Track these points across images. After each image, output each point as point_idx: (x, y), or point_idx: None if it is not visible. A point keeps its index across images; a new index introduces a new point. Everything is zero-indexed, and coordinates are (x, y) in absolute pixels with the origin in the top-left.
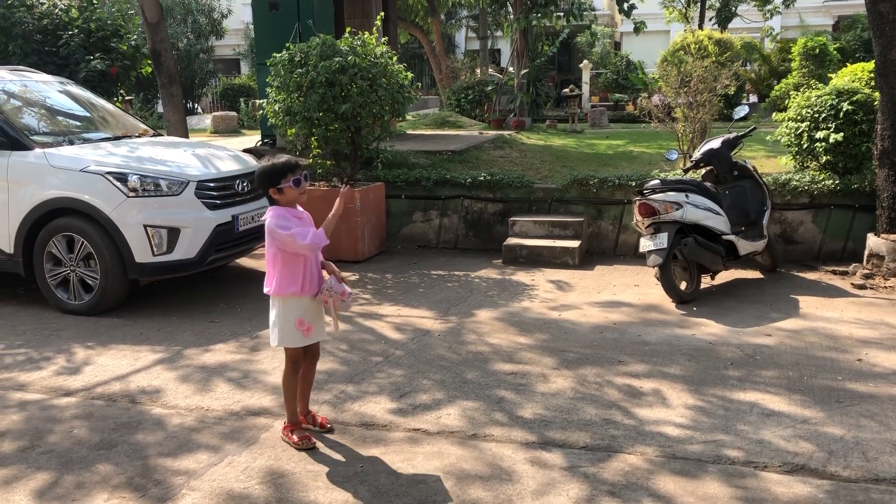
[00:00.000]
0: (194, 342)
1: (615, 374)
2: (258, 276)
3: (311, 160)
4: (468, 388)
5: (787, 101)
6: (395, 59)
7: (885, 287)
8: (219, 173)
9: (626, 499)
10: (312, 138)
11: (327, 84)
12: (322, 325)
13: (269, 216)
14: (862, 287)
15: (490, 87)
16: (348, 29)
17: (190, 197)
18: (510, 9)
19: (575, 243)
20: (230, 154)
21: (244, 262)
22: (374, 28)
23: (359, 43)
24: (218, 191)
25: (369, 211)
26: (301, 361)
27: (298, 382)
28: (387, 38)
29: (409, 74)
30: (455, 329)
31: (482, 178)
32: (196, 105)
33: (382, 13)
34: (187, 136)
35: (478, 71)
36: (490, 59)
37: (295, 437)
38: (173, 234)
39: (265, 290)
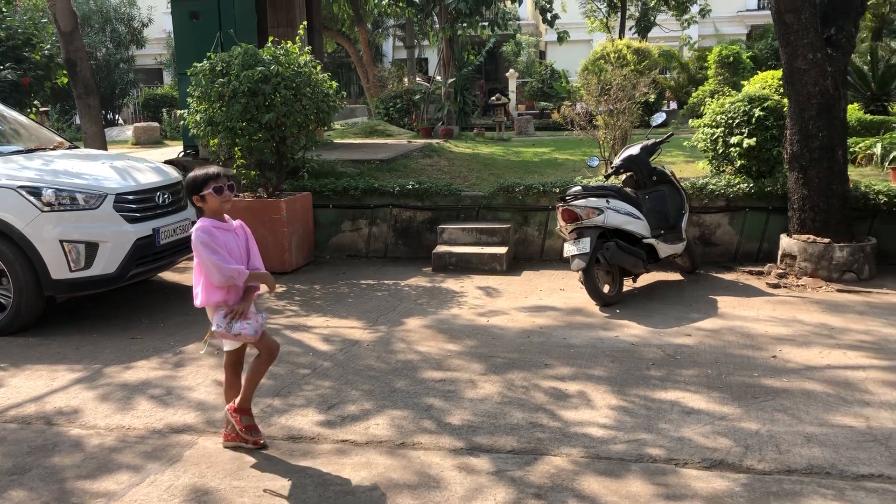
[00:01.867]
0: (115, 360)
1: (541, 377)
2: (182, 291)
3: (234, 171)
4: (397, 397)
5: (703, 108)
6: (319, 68)
7: (798, 286)
8: (138, 186)
9: (552, 500)
10: (236, 148)
11: (250, 93)
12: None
13: (195, 228)
14: (776, 286)
15: (418, 96)
16: (271, 38)
17: (108, 210)
18: (436, 18)
19: (502, 249)
20: (150, 166)
21: (167, 275)
22: (298, 37)
23: (282, 52)
24: (138, 203)
25: (296, 221)
26: (242, 362)
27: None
28: (311, 46)
29: (334, 83)
30: (384, 338)
31: (411, 186)
32: (117, 116)
33: (306, 22)
34: (105, 148)
35: (405, 80)
36: (417, 68)
37: (242, 425)
38: (91, 248)
39: (195, 302)
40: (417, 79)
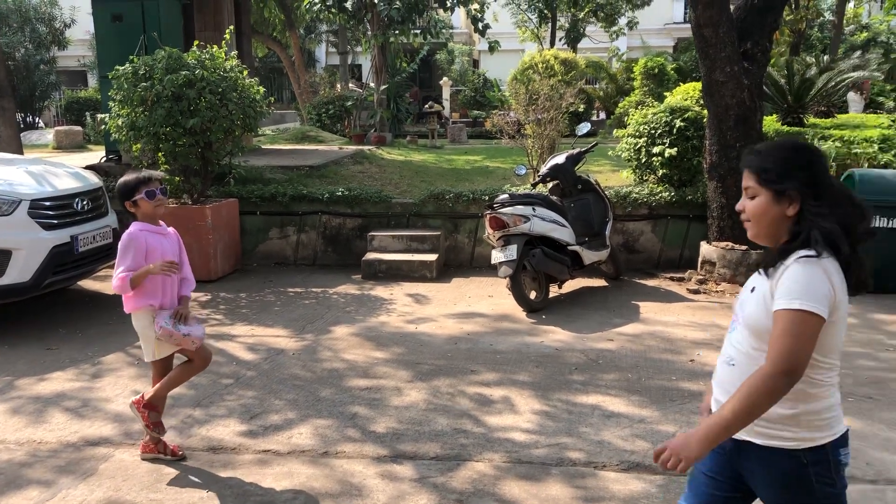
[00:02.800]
0: (28, 371)
1: (467, 383)
2: (102, 300)
3: None
4: (322, 406)
5: (627, 119)
6: (246, 72)
7: (717, 291)
8: (55, 191)
9: None
10: (160, 154)
11: (174, 98)
12: (197, 327)
13: (127, 233)
14: (696, 292)
15: (350, 103)
16: (197, 42)
17: (22, 217)
18: (368, 25)
19: (433, 257)
20: (69, 171)
21: (87, 284)
22: (224, 41)
23: (207, 56)
24: (55, 210)
25: (222, 228)
26: (209, 359)
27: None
28: (238, 51)
29: (262, 88)
30: (311, 347)
31: (340, 193)
32: (38, 119)
33: (232, 27)
34: (21, 152)
35: (338, 86)
36: (350, 75)
37: (150, 421)
38: (4, 256)
39: (125, 307)
40: (350, 85)
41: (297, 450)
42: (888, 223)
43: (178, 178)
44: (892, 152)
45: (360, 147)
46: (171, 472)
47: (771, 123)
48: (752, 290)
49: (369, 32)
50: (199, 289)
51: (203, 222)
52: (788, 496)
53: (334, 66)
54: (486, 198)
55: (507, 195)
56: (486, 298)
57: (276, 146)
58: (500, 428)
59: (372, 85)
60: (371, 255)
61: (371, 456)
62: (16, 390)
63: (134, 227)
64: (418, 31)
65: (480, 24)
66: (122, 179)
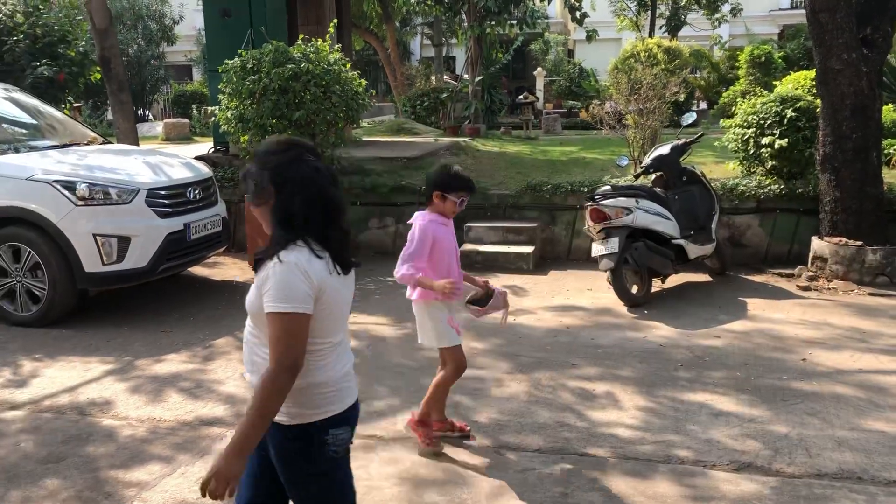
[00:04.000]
0: (146, 352)
1: (568, 377)
2: (212, 286)
3: None
4: (421, 394)
5: (734, 108)
6: (348, 65)
7: (829, 289)
8: (170, 181)
9: (578, 500)
10: None
11: (280, 91)
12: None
13: (417, 222)
14: (807, 289)
15: (445, 95)
16: (301, 36)
17: (140, 205)
18: (464, 17)
19: (529, 248)
20: (182, 161)
21: (197, 270)
22: (328, 35)
23: (312, 50)
24: (169, 199)
25: None
26: (465, 363)
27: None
28: (340, 45)
29: (363, 81)
30: (411, 336)
31: None
32: (147, 112)
33: (336, 20)
34: (137, 144)
35: (433, 78)
36: (445, 67)
37: (425, 437)
38: (123, 242)
39: (408, 294)
40: (445, 77)
41: (402, 437)
42: None
43: None
44: None
45: (455, 139)
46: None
47: (889, 113)
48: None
49: (465, 24)
50: None
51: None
52: (283, 470)
53: (429, 59)
54: (585, 189)
55: (608, 186)
56: (585, 292)
57: (373, 138)
58: (603, 423)
59: (466, 76)
60: (467, 247)
61: (475, 446)
62: (135, 370)
63: (424, 218)
64: (514, 22)
65: (578, 13)
66: (448, 169)
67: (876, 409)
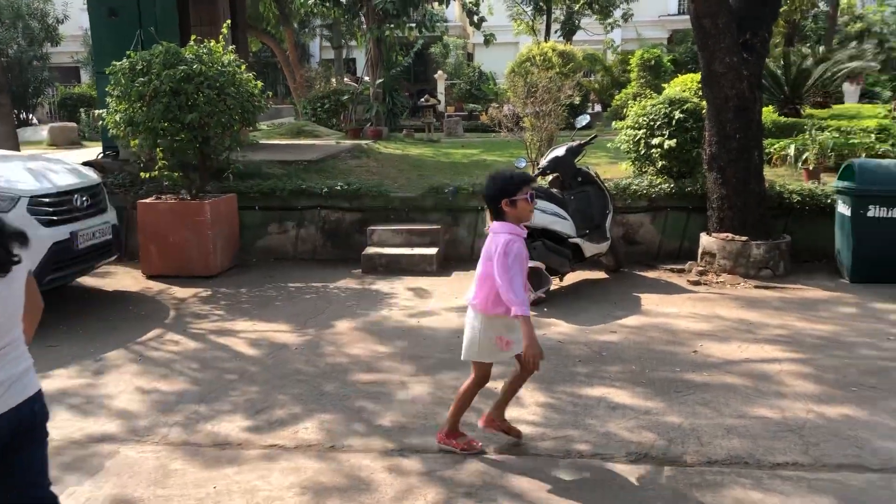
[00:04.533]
0: None
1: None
2: (103, 296)
3: (157, 172)
4: (326, 401)
5: (626, 110)
6: (244, 67)
7: (717, 282)
8: (54, 188)
9: (482, 499)
10: (158, 149)
11: (172, 93)
12: (519, 337)
13: (499, 236)
14: (697, 283)
15: (346, 97)
16: (194, 37)
17: (22, 213)
18: (363, 19)
19: (433, 250)
20: (67, 167)
21: (87, 280)
22: (221, 36)
23: (205, 51)
24: (54, 206)
25: (221, 223)
26: (488, 378)
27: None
28: (235, 46)
29: (260, 83)
30: (313, 342)
31: (339, 187)
32: (31, 116)
33: (229, 20)
34: (18, 149)
35: (333, 80)
36: (345, 69)
37: (459, 443)
38: None
39: (468, 300)
40: (345, 79)
41: (304, 444)
42: (888, 212)
43: (176, 174)
44: (890, 142)
45: (357, 141)
46: (177, 467)
47: (768, 114)
48: None
49: (364, 26)
50: (198, 284)
51: (202, 218)
52: None
53: (329, 61)
54: None
55: None
56: None
57: (273, 141)
58: None
59: (367, 79)
60: (371, 250)
61: (378, 450)
62: None
63: (506, 230)
64: (413, 25)
65: (476, 17)
66: (501, 175)
67: (761, 397)
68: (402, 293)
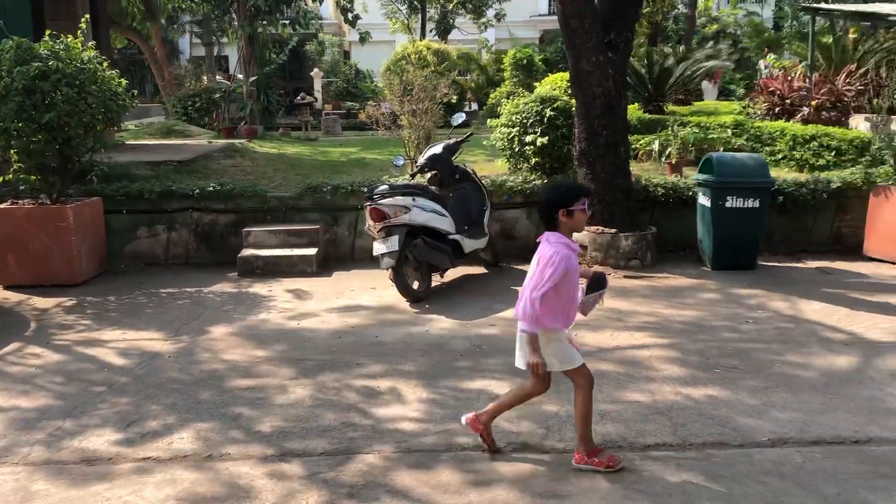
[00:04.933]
0: None
1: (353, 377)
2: None
3: (11, 175)
4: (202, 409)
5: (499, 109)
6: (105, 64)
7: None
8: None
9: (365, 498)
10: (12, 151)
11: (26, 91)
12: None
13: (552, 245)
14: None
15: (218, 95)
16: (49, 32)
17: None
18: (234, 16)
19: (312, 251)
20: None
21: None
22: (80, 31)
23: (62, 47)
24: None
25: (85, 229)
26: (592, 376)
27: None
28: (95, 41)
29: (124, 81)
30: (187, 349)
31: (212, 188)
32: None
33: (88, 15)
34: None
35: (204, 78)
36: (217, 66)
37: (602, 461)
38: None
39: (516, 313)
40: (217, 77)
41: (179, 455)
42: (742, 203)
43: (34, 177)
44: (744, 136)
45: (231, 141)
46: (39, 488)
47: (634, 112)
48: None
49: (235, 23)
50: (63, 293)
51: (64, 223)
52: None
53: (199, 58)
54: (365, 189)
55: (386, 186)
56: (369, 291)
57: (141, 141)
58: (388, 419)
59: (240, 77)
60: (247, 252)
61: (257, 456)
62: None
63: (558, 241)
64: (287, 22)
65: (350, 15)
66: (561, 184)
67: (632, 382)
68: (280, 295)
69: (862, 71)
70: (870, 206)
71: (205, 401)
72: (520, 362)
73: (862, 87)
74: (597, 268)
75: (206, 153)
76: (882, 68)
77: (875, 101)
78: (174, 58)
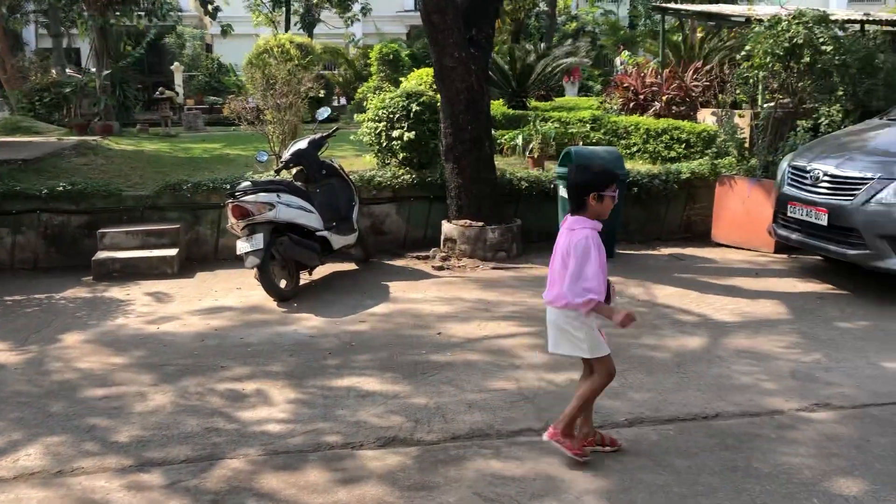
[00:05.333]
0: None
1: (217, 380)
2: None
3: None
4: (53, 422)
5: (366, 103)
6: None
7: (459, 266)
8: None
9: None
10: None
11: None
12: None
13: (583, 231)
14: (441, 268)
15: (69, 89)
16: None
17: None
18: (84, 6)
19: (172, 251)
20: None
21: None
22: None
23: None
24: None
25: None
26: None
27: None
28: None
29: None
30: (36, 359)
31: (62, 188)
32: None
33: None
34: None
35: (53, 71)
36: (68, 59)
37: (573, 446)
38: None
39: (550, 299)
40: (68, 70)
41: (26, 472)
42: None
43: None
44: (602, 130)
45: (84, 138)
46: None
47: (498, 107)
48: None
49: (86, 13)
50: None
51: None
52: None
53: (46, 50)
54: (227, 187)
55: (249, 182)
56: (235, 291)
57: None
58: (254, 422)
59: (93, 70)
60: (102, 254)
61: (114, 468)
62: None
63: (586, 226)
64: (142, 13)
65: (210, 7)
66: (594, 166)
67: (499, 370)
68: (139, 299)
69: (707, 68)
70: (716, 195)
71: (55, 413)
72: (561, 348)
73: (708, 83)
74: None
75: (56, 151)
76: (725, 65)
77: (720, 96)
78: (18, 49)
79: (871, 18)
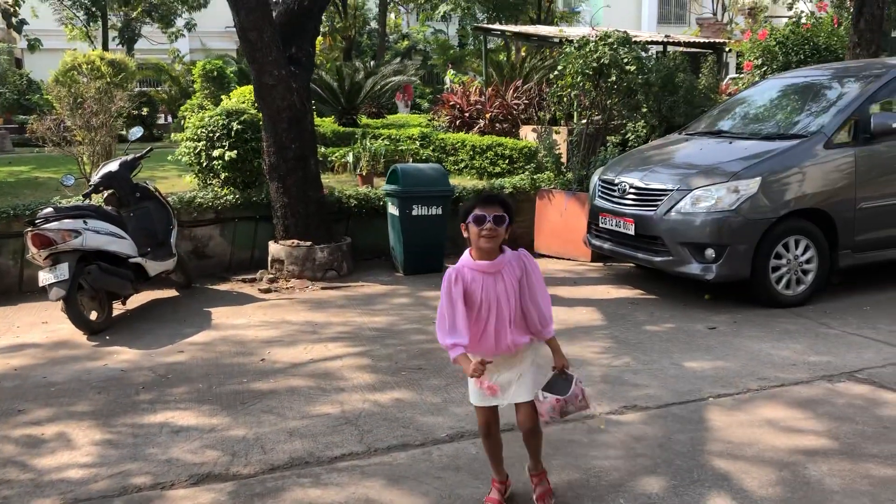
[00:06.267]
0: None
1: (13, 426)
2: None
3: None
4: None
5: (184, 122)
6: None
7: (287, 288)
8: None
9: None
10: None
11: None
12: (520, 391)
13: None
14: (268, 291)
15: None
16: None
17: None
18: None
19: None
20: None
21: None
22: None
23: None
24: None
25: None
26: (491, 425)
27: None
28: None
29: None
30: None
31: None
32: None
33: None
34: None
35: None
36: None
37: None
38: None
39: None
40: None
41: None
42: (427, 210)
43: None
44: (431, 147)
45: None
46: None
47: (329, 125)
48: None
49: None
50: None
51: None
52: None
53: None
54: (28, 213)
55: (51, 209)
56: (41, 326)
57: None
58: (53, 469)
59: None
60: None
61: None
62: None
63: (461, 260)
64: None
65: (15, 20)
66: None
67: (323, 394)
68: None
69: (528, 86)
70: (537, 209)
71: None
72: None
73: (528, 101)
74: (577, 375)
75: None
76: (544, 84)
77: (540, 113)
78: None
79: (671, 40)
